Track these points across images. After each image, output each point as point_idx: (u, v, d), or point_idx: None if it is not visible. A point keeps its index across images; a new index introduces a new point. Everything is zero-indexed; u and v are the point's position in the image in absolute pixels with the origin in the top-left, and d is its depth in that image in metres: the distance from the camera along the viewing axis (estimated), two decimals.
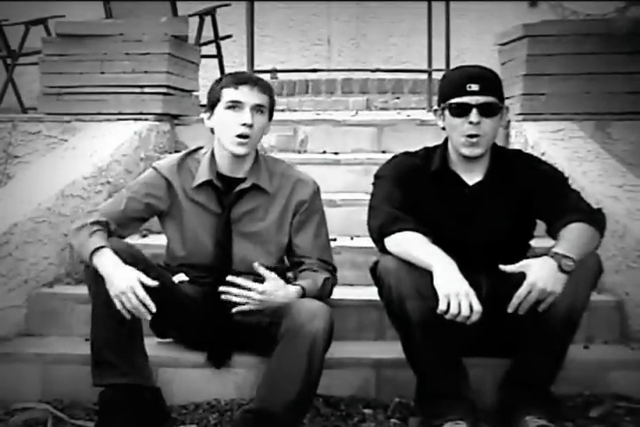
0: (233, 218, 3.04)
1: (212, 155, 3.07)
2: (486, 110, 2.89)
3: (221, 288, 2.83)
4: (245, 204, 3.05)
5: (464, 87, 2.89)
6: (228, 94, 2.97)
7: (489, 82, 2.92)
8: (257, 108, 2.97)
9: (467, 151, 2.92)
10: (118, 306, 2.74)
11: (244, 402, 3.03)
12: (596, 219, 2.87)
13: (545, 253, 2.76)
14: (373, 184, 3.03)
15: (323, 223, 3.12)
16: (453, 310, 2.64)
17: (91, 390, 2.90)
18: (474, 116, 2.88)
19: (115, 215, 2.99)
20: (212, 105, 3.02)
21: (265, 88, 3.00)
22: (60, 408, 3.02)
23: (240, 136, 2.95)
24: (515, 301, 2.67)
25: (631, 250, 3.40)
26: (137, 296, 2.72)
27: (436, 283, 2.68)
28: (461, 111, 2.90)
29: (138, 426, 2.80)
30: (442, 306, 2.65)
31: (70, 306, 3.44)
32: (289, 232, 3.08)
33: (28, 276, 3.51)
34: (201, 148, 3.16)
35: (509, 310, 2.68)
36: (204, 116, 3.05)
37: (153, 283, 2.76)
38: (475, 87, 2.88)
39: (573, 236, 2.78)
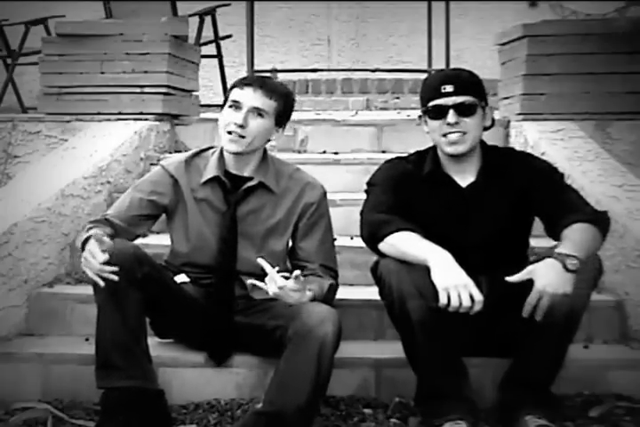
0: (238, 217, 3.04)
1: (221, 153, 3.07)
2: (463, 110, 2.89)
3: (249, 282, 2.86)
4: (251, 202, 3.05)
5: (439, 89, 2.90)
6: (234, 93, 2.99)
7: (463, 82, 2.92)
8: (254, 111, 2.96)
9: (450, 149, 2.92)
10: (90, 274, 2.76)
11: (243, 402, 3.03)
12: (601, 220, 2.85)
13: (546, 252, 2.76)
14: (366, 191, 3.04)
15: (329, 228, 3.12)
16: (454, 302, 2.63)
17: (91, 390, 2.90)
18: (451, 116, 2.88)
19: (121, 214, 3.01)
20: (224, 102, 3.05)
21: (271, 93, 2.98)
22: (60, 408, 3.02)
23: (230, 133, 2.96)
24: (527, 307, 2.65)
25: (631, 250, 3.40)
26: (92, 255, 2.75)
27: (434, 277, 2.67)
28: (439, 113, 2.90)
29: None
30: (442, 300, 2.64)
31: (70, 306, 3.44)
32: (292, 234, 3.08)
33: (28, 276, 3.51)
34: (211, 147, 3.16)
35: (524, 314, 2.65)
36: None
37: (107, 240, 2.79)
38: (449, 88, 2.89)
39: (577, 235, 2.75)
